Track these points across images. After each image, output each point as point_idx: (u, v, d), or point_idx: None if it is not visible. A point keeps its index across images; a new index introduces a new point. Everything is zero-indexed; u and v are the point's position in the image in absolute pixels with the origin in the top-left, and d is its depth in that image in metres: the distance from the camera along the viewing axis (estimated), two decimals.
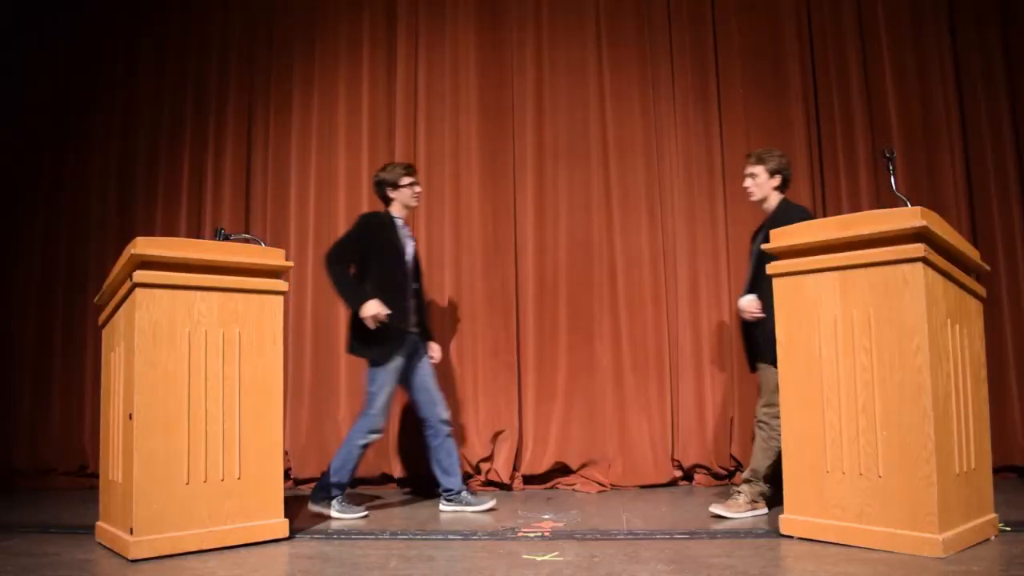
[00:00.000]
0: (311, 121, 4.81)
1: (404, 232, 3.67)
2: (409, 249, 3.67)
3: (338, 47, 4.84)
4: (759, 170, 3.40)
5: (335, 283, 3.54)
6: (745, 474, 3.32)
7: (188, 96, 5.00)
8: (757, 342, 3.34)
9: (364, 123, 4.73)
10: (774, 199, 3.43)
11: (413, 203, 3.71)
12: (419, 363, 3.67)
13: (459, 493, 3.61)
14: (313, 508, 3.52)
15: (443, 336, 4.48)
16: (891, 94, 4.42)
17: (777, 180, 3.41)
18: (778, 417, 3.04)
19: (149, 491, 2.70)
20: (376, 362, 3.51)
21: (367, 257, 3.56)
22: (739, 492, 3.26)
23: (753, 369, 3.47)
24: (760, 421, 3.29)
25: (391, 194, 3.65)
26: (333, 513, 3.47)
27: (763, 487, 3.27)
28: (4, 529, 3.31)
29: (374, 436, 3.51)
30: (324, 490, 3.51)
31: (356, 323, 3.50)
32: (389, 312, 3.45)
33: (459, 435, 4.38)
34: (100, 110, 5.08)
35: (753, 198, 3.45)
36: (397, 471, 4.39)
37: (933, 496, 2.44)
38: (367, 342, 3.50)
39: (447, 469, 3.63)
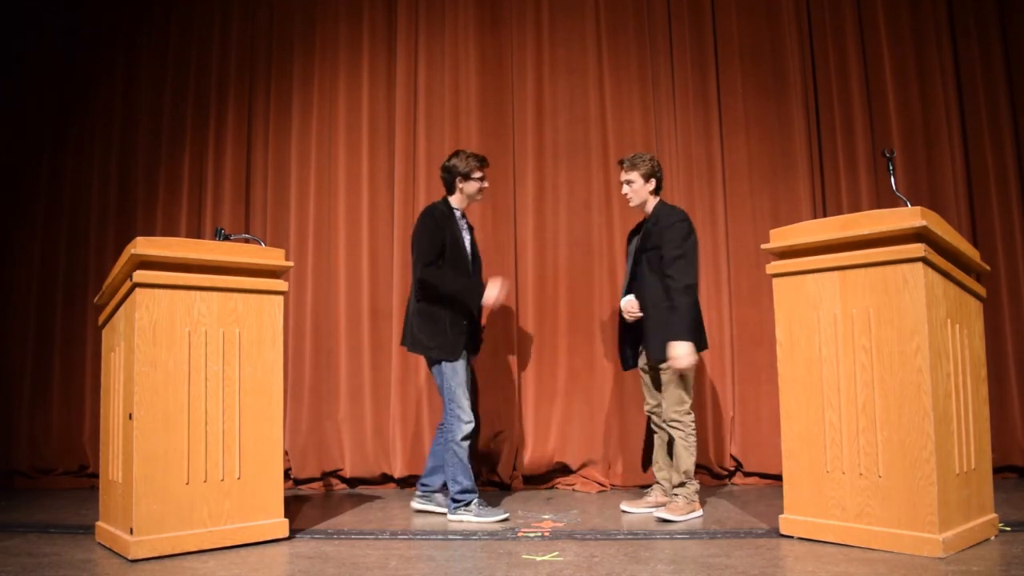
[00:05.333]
0: (311, 121, 4.81)
1: (463, 223, 3.58)
2: (468, 238, 3.58)
3: (338, 47, 4.84)
4: (634, 176, 3.44)
5: (440, 285, 3.37)
6: (676, 478, 3.35)
7: (188, 96, 5.00)
8: (650, 341, 3.35)
9: (364, 123, 4.73)
10: (651, 202, 3.50)
11: (478, 198, 3.61)
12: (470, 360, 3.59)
13: (435, 492, 3.59)
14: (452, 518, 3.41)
15: None
16: (891, 94, 4.42)
17: (652, 184, 3.47)
18: (690, 413, 3.32)
19: (149, 491, 2.70)
20: (447, 359, 3.37)
21: (440, 252, 3.44)
22: (676, 495, 3.31)
23: (628, 367, 3.60)
24: (673, 420, 3.32)
25: (459, 184, 3.51)
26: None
27: (697, 485, 3.37)
28: (4, 529, 3.32)
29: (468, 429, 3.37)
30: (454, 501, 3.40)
31: (428, 319, 3.37)
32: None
33: None
34: (100, 110, 5.08)
35: (632, 204, 3.50)
36: (397, 471, 4.39)
37: (933, 496, 2.44)
38: (437, 338, 3.37)
39: (438, 467, 3.57)
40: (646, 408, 3.57)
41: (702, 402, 4.33)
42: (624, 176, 3.46)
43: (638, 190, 3.45)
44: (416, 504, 3.61)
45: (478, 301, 3.43)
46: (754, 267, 4.26)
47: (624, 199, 4.44)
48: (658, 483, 3.53)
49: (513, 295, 4.49)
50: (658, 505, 3.41)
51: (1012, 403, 4.19)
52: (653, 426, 3.57)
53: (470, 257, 3.56)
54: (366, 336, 4.54)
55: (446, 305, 3.39)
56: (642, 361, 3.53)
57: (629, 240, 3.64)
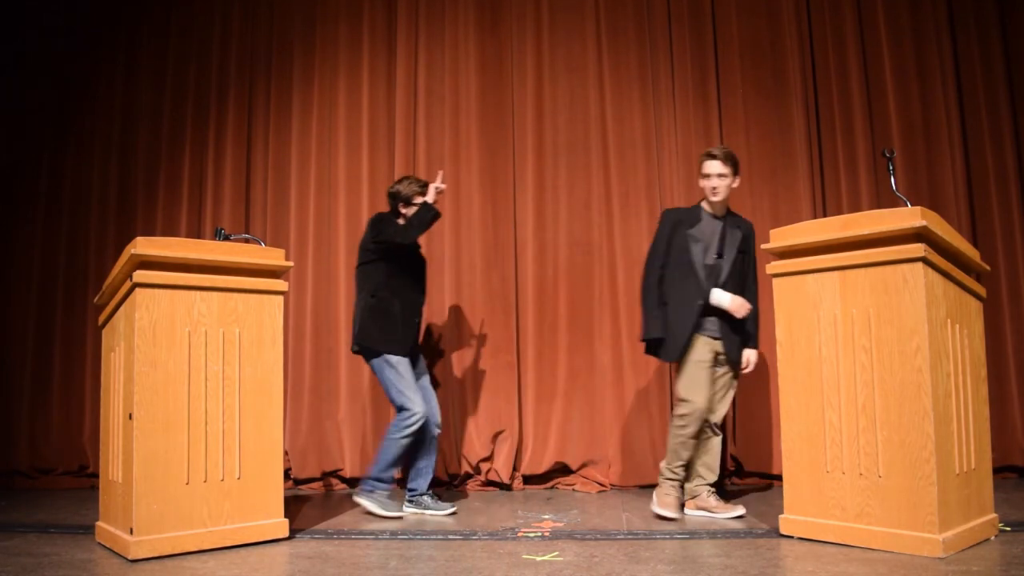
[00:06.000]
0: (311, 121, 4.81)
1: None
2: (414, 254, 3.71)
3: (338, 47, 4.84)
4: (729, 171, 3.37)
5: (407, 230, 3.47)
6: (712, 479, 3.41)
7: (188, 96, 5.00)
8: (735, 341, 3.39)
9: (364, 123, 4.73)
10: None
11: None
12: (420, 364, 3.70)
13: (422, 495, 3.60)
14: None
15: (443, 336, 4.48)
16: (891, 94, 4.42)
17: (737, 182, 3.45)
18: None
19: (149, 491, 2.70)
20: (395, 353, 3.48)
21: (389, 255, 3.53)
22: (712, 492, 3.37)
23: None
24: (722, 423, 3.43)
25: (402, 209, 3.62)
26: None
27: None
28: (4, 529, 3.31)
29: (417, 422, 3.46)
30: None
31: (382, 314, 3.47)
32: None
33: (459, 435, 4.39)
34: (100, 110, 5.08)
35: (717, 198, 3.38)
36: (397, 471, 4.39)
37: (933, 496, 2.44)
38: (389, 333, 3.47)
39: (421, 471, 3.62)
40: (698, 405, 3.29)
41: None
42: (721, 169, 3.36)
43: (729, 185, 3.39)
44: (407, 509, 3.62)
45: (430, 214, 3.48)
46: None
47: (624, 199, 4.49)
48: (706, 485, 3.42)
49: (513, 295, 4.49)
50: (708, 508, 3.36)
51: (1012, 403, 4.19)
52: (707, 427, 3.40)
53: (416, 268, 3.70)
54: None
55: (399, 300, 3.51)
56: (707, 355, 3.36)
57: (674, 228, 3.44)
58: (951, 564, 2.36)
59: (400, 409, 3.47)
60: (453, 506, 3.60)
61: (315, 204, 4.73)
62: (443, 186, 3.57)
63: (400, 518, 3.44)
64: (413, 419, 3.42)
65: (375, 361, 3.52)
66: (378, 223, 3.56)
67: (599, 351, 4.40)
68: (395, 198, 3.63)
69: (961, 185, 4.37)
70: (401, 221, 3.60)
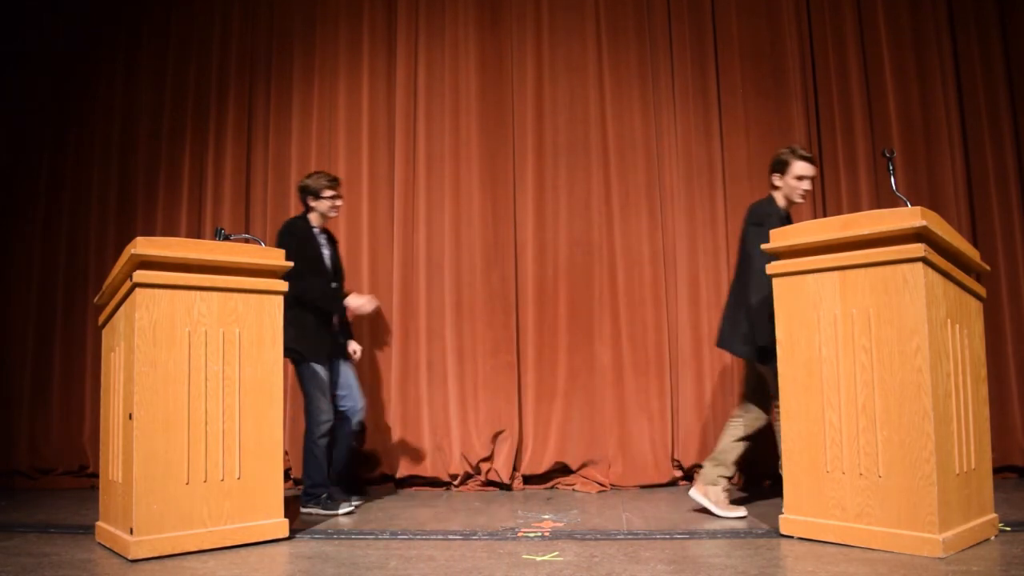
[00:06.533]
0: (311, 121, 4.81)
1: (322, 238, 3.80)
2: (328, 253, 3.80)
3: (338, 47, 4.83)
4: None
5: (308, 295, 3.58)
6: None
7: (188, 96, 5.00)
8: None
9: (364, 123, 4.73)
10: None
11: (332, 215, 3.82)
12: (341, 361, 3.80)
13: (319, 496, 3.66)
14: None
15: (443, 336, 4.48)
16: (891, 94, 4.42)
17: None
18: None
19: (149, 491, 2.70)
20: (309, 360, 3.60)
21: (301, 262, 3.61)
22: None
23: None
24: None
25: (311, 203, 3.73)
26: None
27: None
28: (4, 529, 3.31)
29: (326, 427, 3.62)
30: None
31: (297, 325, 3.51)
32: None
33: (459, 435, 4.38)
34: (100, 110, 5.08)
35: (803, 200, 3.40)
36: (397, 471, 4.39)
37: (933, 496, 2.44)
38: (302, 341, 3.56)
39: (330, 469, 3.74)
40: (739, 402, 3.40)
41: (702, 402, 4.33)
42: (815, 173, 3.38)
43: None
44: (304, 509, 3.66)
45: (340, 307, 3.74)
46: None
47: (624, 199, 4.49)
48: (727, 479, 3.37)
49: (513, 295, 4.49)
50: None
51: (1012, 403, 4.19)
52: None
53: (331, 270, 3.78)
54: (366, 336, 4.53)
55: (312, 311, 3.61)
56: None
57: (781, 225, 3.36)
58: (951, 564, 2.36)
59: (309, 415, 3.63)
60: (352, 504, 3.66)
61: None
62: (371, 307, 3.84)
63: (349, 511, 3.60)
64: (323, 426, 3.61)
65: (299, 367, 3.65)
66: (286, 242, 3.60)
67: (599, 351, 4.39)
68: (303, 191, 3.75)
69: (961, 185, 4.37)
70: (311, 217, 3.74)
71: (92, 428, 4.71)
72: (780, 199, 3.39)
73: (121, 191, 5.00)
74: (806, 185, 3.33)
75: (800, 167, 3.31)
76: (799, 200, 3.37)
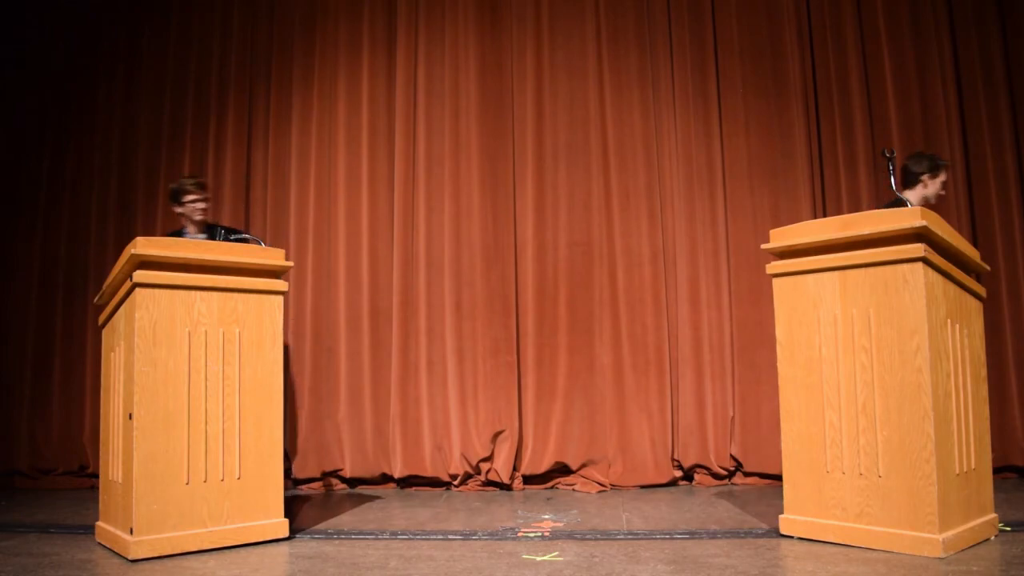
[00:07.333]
0: (311, 121, 4.81)
1: (200, 238, 3.81)
2: None
3: (338, 47, 4.83)
4: None
5: None
6: None
7: (188, 96, 4.99)
8: None
9: (364, 123, 4.73)
10: None
11: (197, 217, 3.84)
12: None
13: None
14: None
15: (443, 336, 4.48)
16: (891, 94, 4.42)
17: None
18: None
19: (149, 491, 2.70)
20: None
21: None
22: None
23: None
24: None
25: (177, 209, 3.82)
26: None
27: None
28: (4, 529, 3.31)
29: None
30: None
31: None
32: None
33: (459, 435, 4.38)
34: (100, 110, 5.08)
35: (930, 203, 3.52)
36: (397, 471, 4.39)
37: (933, 496, 2.44)
38: None
39: None
40: None
41: (702, 402, 4.33)
42: (945, 178, 3.55)
43: None
44: None
45: None
46: (754, 267, 4.26)
47: (624, 199, 4.49)
48: None
49: (513, 295, 4.49)
50: None
51: (1012, 403, 4.19)
52: None
53: None
54: (366, 336, 4.54)
55: None
56: None
57: None
58: (951, 564, 2.36)
59: None
60: None
61: (315, 204, 4.73)
62: None
63: None
64: None
65: None
66: None
67: (599, 351, 4.39)
68: (170, 198, 3.85)
69: (961, 185, 4.37)
70: (184, 221, 3.84)
71: (92, 428, 4.71)
72: (915, 198, 3.53)
73: (121, 191, 5.00)
74: (940, 192, 3.58)
75: (944, 174, 3.56)
76: (928, 204, 3.51)
